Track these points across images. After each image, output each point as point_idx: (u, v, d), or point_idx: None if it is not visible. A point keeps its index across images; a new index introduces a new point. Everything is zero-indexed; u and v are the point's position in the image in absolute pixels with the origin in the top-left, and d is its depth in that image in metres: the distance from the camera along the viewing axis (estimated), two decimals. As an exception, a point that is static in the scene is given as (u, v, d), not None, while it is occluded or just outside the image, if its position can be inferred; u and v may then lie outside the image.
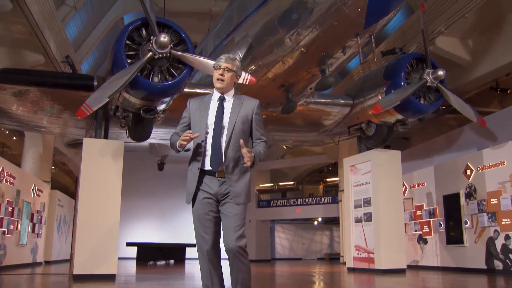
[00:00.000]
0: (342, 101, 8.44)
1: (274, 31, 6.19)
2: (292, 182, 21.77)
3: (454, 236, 9.12)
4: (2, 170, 8.99)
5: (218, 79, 3.08)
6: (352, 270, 9.17)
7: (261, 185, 20.85)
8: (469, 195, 8.72)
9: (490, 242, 8.12)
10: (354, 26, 5.47)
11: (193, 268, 13.25)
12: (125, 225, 16.35)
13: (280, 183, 21.40)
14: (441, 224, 9.53)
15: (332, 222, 21.41)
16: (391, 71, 7.55)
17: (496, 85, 10.60)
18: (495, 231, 8.03)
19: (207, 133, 3.00)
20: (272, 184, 21.43)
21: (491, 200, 8.11)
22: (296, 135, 10.14)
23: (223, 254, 3.02)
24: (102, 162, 6.96)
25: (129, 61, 5.84)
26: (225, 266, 3.01)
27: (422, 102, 7.44)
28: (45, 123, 8.79)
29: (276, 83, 7.07)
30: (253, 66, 6.84)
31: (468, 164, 8.78)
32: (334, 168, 20.39)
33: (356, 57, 6.68)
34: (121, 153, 7.10)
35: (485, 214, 8.25)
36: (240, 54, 7.12)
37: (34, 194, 11.42)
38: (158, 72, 5.95)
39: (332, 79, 6.34)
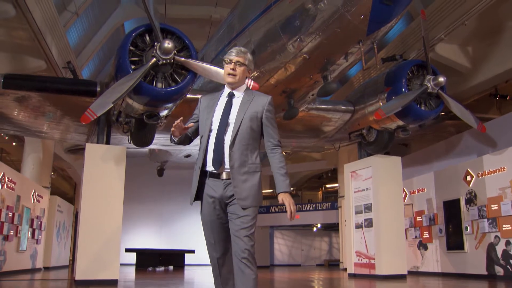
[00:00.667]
0: (343, 107, 8.48)
1: (276, 38, 6.23)
2: (291, 188, 21.73)
3: (454, 242, 9.14)
4: (3, 175, 8.99)
5: (229, 74, 2.89)
6: (353, 276, 9.17)
7: (260, 191, 20.70)
8: (470, 201, 8.76)
9: (491, 248, 8.15)
10: (357, 33, 5.52)
11: (193, 274, 13.23)
12: (124, 231, 16.20)
13: (279, 189, 21.27)
14: (441, 230, 9.55)
15: (331, 228, 21.40)
16: (392, 78, 7.60)
17: (495, 92, 10.66)
18: (496, 236, 8.06)
19: (210, 130, 2.83)
20: (271, 190, 21.41)
21: (492, 206, 8.14)
22: (296, 141, 10.17)
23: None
24: (104, 167, 6.97)
25: (132, 67, 5.87)
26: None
27: (423, 108, 7.49)
28: (46, 128, 8.80)
29: (278, 89, 7.10)
30: (255, 72, 6.88)
31: (468, 170, 8.82)
32: (333, 174, 20.43)
33: (356, 63, 6.74)
34: (124, 158, 7.12)
35: (485, 220, 8.28)
36: (242, 61, 7.16)
37: (34, 199, 11.40)
38: (162, 78, 5.97)
39: (334, 85, 6.37)
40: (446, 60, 9.32)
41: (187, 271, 15.03)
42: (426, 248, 10.08)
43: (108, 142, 7.64)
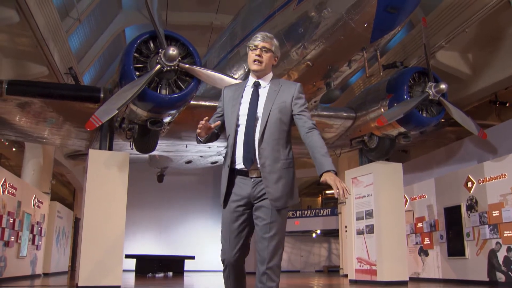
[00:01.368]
0: (344, 114, 8.52)
1: (280, 45, 6.26)
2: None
3: (455, 248, 9.15)
4: (4, 181, 8.98)
5: (255, 61, 2.69)
6: (354, 282, 9.17)
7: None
8: (471, 207, 8.78)
9: (492, 254, 8.16)
10: (360, 40, 5.58)
11: (192, 280, 13.21)
12: (123, 237, 16.27)
13: (279, 195, 21.32)
14: (442, 236, 9.56)
15: (331, 234, 21.38)
16: (394, 85, 7.65)
17: (495, 99, 10.72)
18: (497, 243, 8.07)
19: (238, 125, 2.64)
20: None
21: (493, 212, 8.16)
22: (298, 148, 10.16)
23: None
24: (107, 173, 6.98)
25: (137, 73, 5.90)
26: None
27: (424, 115, 7.54)
28: (48, 134, 8.81)
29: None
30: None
31: (469, 176, 8.85)
32: (331, 180, 20.40)
33: (359, 70, 6.80)
34: (127, 164, 7.14)
35: (486, 226, 8.30)
36: (245, 67, 7.23)
37: (34, 205, 11.38)
38: (166, 85, 6.01)
39: (337, 92, 6.43)
40: (446, 67, 9.38)
41: (187, 277, 15.00)
42: (427, 254, 10.09)
43: (111, 148, 7.65)
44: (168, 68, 5.82)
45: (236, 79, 6.46)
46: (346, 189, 2.50)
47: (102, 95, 6.99)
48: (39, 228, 12.01)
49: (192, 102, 7.09)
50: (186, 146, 9.44)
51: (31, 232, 11.17)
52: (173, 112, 6.46)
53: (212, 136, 2.79)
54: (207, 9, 13.64)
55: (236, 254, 2.61)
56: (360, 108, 8.44)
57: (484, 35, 8.97)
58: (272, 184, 2.54)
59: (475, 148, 9.59)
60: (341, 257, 15.39)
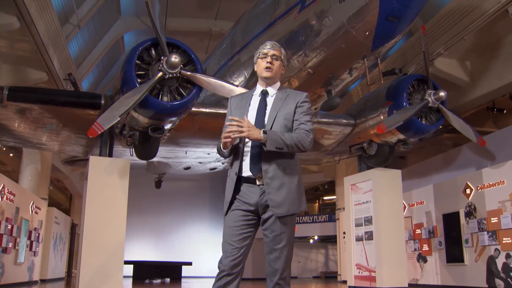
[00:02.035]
0: (344, 121, 8.55)
1: (281, 52, 6.30)
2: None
3: (454, 254, 9.17)
4: (3, 187, 8.96)
5: (266, 68, 2.73)
6: (353, 288, 9.19)
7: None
8: (469, 214, 8.81)
9: (491, 260, 8.19)
10: (362, 48, 5.62)
11: (190, 286, 13.18)
12: (121, 243, 16.20)
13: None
14: (441, 242, 9.59)
15: (328, 240, 21.40)
16: (394, 92, 7.69)
17: (492, 106, 10.80)
18: (496, 249, 8.10)
19: None
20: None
21: (491, 219, 8.20)
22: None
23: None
24: (108, 180, 6.97)
25: (139, 80, 5.91)
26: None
27: (423, 122, 7.58)
28: (47, 140, 8.78)
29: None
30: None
31: (468, 183, 8.89)
32: (329, 187, 20.48)
33: (359, 78, 6.84)
34: (127, 171, 7.13)
35: (485, 232, 8.33)
36: (246, 74, 7.25)
37: (32, 211, 11.35)
38: (168, 92, 6.02)
39: (338, 99, 6.46)
40: (445, 75, 9.45)
41: (184, 283, 14.97)
42: (425, 260, 10.11)
43: (110, 155, 7.65)
44: (170, 75, 5.82)
45: (237, 86, 6.48)
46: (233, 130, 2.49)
47: (102, 101, 7.00)
48: (37, 234, 11.97)
49: (193, 109, 7.12)
50: (186, 153, 9.44)
51: (29, 238, 11.13)
52: (174, 119, 6.46)
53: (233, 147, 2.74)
54: (206, 15, 13.68)
55: (238, 263, 2.59)
56: (359, 115, 8.48)
57: (482, 43, 9.04)
58: (275, 191, 2.54)
59: (473, 154, 9.64)
60: (339, 263, 15.38)
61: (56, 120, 7.65)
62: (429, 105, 7.38)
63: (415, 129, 7.58)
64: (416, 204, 10.58)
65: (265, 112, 2.68)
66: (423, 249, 10.14)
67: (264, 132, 2.52)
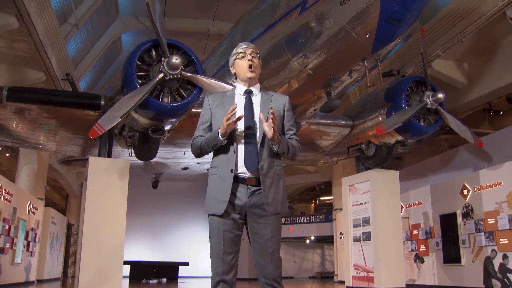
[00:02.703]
0: (342, 122, 8.58)
1: (281, 54, 6.33)
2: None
3: (451, 255, 9.23)
4: (1, 187, 8.93)
5: (250, 66, 2.69)
6: (351, 289, 9.23)
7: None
8: (466, 214, 8.87)
9: (488, 261, 8.25)
10: (362, 50, 5.63)
11: (186, 286, 13.19)
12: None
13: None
14: (438, 243, 9.65)
15: (324, 240, 21.44)
16: (392, 93, 7.73)
17: (489, 107, 10.88)
18: (493, 250, 8.16)
19: (235, 130, 2.61)
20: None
21: (488, 219, 8.26)
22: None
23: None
24: (107, 181, 6.96)
25: (139, 81, 5.91)
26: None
27: (421, 123, 7.63)
28: (46, 140, 8.76)
29: (281, 105, 7.18)
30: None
31: (465, 184, 8.95)
32: (326, 187, 20.53)
33: (359, 80, 6.87)
34: (127, 172, 7.12)
35: (482, 233, 8.39)
36: (246, 75, 7.25)
37: (29, 211, 11.31)
38: (168, 93, 6.03)
39: (338, 101, 6.48)
40: (442, 76, 9.51)
41: (181, 283, 14.98)
42: (422, 261, 10.17)
43: (109, 156, 7.64)
44: (171, 77, 5.83)
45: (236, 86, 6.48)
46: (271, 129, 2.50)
47: (102, 102, 6.99)
48: (34, 235, 11.94)
49: (193, 109, 7.12)
50: (184, 153, 9.44)
51: (26, 238, 11.10)
52: (174, 120, 6.47)
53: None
54: (204, 16, 13.68)
55: (232, 269, 2.57)
56: (358, 116, 8.51)
57: (479, 45, 9.11)
58: (267, 188, 2.56)
59: (470, 156, 9.70)
60: (336, 264, 15.43)
61: (55, 121, 7.64)
62: (428, 106, 7.42)
63: (414, 130, 7.62)
64: (413, 205, 10.63)
65: (252, 111, 2.66)
66: (420, 249, 10.20)
67: (279, 135, 2.58)
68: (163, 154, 9.35)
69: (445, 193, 9.57)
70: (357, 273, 9.11)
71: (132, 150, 7.43)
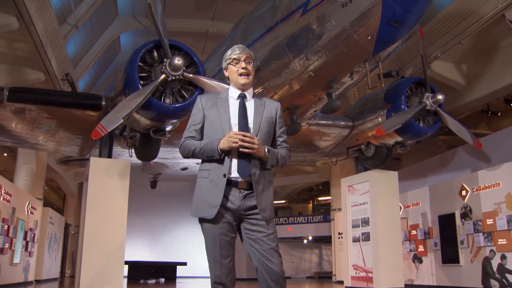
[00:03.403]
0: (342, 123, 8.61)
1: (282, 55, 6.35)
2: (283, 201, 21.89)
3: (449, 255, 9.28)
4: (0, 187, 8.91)
5: (242, 74, 2.68)
6: (350, 289, 9.27)
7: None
8: (465, 215, 8.92)
9: (486, 261, 8.30)
10: (363, 52, 5.66)
11: (184, 286, 13.20)
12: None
13: (272, 202, 21.46)
14: (436, 243, 9.70)
15: (322, 240, 21.48)
16: (392, 95, 7.76)
17: (487, 108, 10.94)
18: (491, 251, 8.21)
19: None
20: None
21: (487, 220, 8.30)
22: (293, 155, 10.28)
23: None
24: (108, 181, 6.97)
25: (141, 82, 5.92)
26: None
27: (421, 125, 7.67)
28: (44, 140, 8.75)
29: (282, 106, 7.17)
30: (259, 88, 6.98)
31: (464, 185, 9.00)
32: (324, 187, 20.58)
33: (360, 81, 6.90)
34: (128, 172, 7.14)
35: (481, 234, 8.44)
36: (246, 76, 7.27)
37: (28, 211, 11.29)
38: (170, 94, 6.05)
39: (339, 102, 6.50)
40: (441, 77, 9.56)
41: (179, 283, 14.99)
42: (420, 261, 10.21)
43: (110, 156, 7.64)
44: (173, 78, 5.84)
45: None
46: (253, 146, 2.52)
47: (103, 103, 7.00)
48: (32, 235, 11.92)
49: (193, 110, 7.13)
50: (184, 154, 9.44)
51: (24, 238, 11.08)
52: (175, 121, 6.49)
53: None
54: (203, 16, 13.69)
55: (230, 272, 2.59)
56: (357, 117, 8.54)
57: (478, 47, 9.16)
58: (260, 194, 2.57)
59: (468, 157, 9.75)
60: (334, 264, 15.46)
61: (55, 121, 7.64)
62: (427, 108, 7.46)
63: (413, 131, 7.66)
64: (412, 206, 10.68)
65: (246, 116, 2.67)
66: (419, 250, 10.25)
67: (268, 151, 2.60)
68: (163, 154, 9.36)
69: (444, 194, 9.62)
70: (356, 273, 9.14)
71: (133, 150, 7.43)
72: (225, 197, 2.56)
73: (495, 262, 8.11)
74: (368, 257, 8.78)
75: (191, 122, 2.80)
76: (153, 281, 15.51)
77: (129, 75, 5.92)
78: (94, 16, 11.95)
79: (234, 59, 2.72)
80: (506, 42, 8.88)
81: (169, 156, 9.73)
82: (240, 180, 2.58)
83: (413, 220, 10.59)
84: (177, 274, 16.58)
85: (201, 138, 2.75)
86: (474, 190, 8.75)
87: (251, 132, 2.63)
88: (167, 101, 6.02)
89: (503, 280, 7.91)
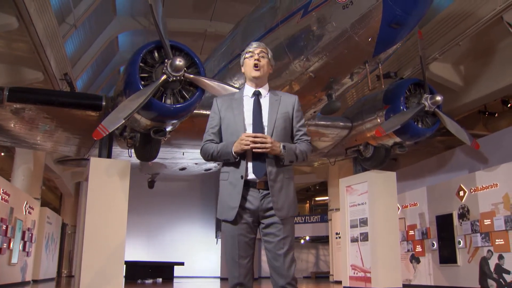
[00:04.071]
0: (341, 123, 8.65)
1: (282, 56, 6.38)
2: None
3: (447, 255, 9.33)
4: (-2, 187, 8.90)
5: (255, 65, 2.67)
6: (348, 289, 9.31)
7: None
8: (462, 215, 8.97)
9: (484, 261, 8.35)
10: (364, 54, 5.71)
11: (182, 286, 13.21)
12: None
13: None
14: (434, 243, 9.75)
15: (319, 240, 21.53)
16: (391, 96, 7.81)
17: (484, 109, 11.00)
18: (489, 251, 8.27)
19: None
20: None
21: (484, 220, 8.36)
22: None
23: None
24: (108, 181, 6.98)
25: (142, 83, 5.93)
26: None
27: (419, 126, 7.72)
28: (43, 140, 8.74)
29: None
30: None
31: (461, 185, 9.05)
32: (321, 187, 20.63)
33: (360, 82, 6.94)
34: (128, 172, 7.14)
35: (478, 234, 8.49)
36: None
37: (26, 211, 11.27)
38: (171, 95, 6.06)
39: (339, 104, 6.54)
40: (439, 78, 9.60)
41: (176, 283, 14.99)
42: (418, 261, 10.26)
43: (109, 156, 7.65)
44: (174, 78, 5.86)
45: (238, 88, 6.54)
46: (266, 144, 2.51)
47: (104, 103, 7.00)
48: (30, 235, 11.89)
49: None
50: (183, 154, 9.47)
51: (22, 238, 11.05)
52: (176, 121, 6.50)
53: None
54: (202, 16, 13.70)
55: (248, 272, 2.61)
56: (356, 118, 8.58)
57: (476, 48, 9.22)
58: (276, 193, 2.56)
59: (466, 157, 9.81)
60: (331, 264, 15.51)
61: (55, 121, 7.63)
62: (426, 109, 7.52)
63: (412, 132, 7.71)
64: (410, 206, 10.73)
65: (261, 113, 2.65)
66: (416, 250, 10.29)
67: (283, 147, 2.56)
68: (162, 154, 9.34)
69: (442, 194, 9.67)
70: (354, 273, 9.18)
71: (132, 150, 7.44)
72: (244, 198, 2.57)
73: (493, 262, 8.16)
74: (367, 257, 8.82)
75: (209, 125, 2.80)
76: (150, 281, 15.51)
77: (130, 75, 5.93)
78: (93, 16, 11.94)
79: (249, 51, 2.73)
80: (503, 44, 8.94)
81: (168, 156, 9.74)
82: (257, 180, 2.59)
83: (410, 221, 10.64)
84: (175, 274, 16.57)
85: (220, 140, 2.75)
86: (471, 190, 8.80)
87: (266, 130, 2.62)
88: (168, 101, 6.03)
89: (501, 280, 7.97)
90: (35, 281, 12.92)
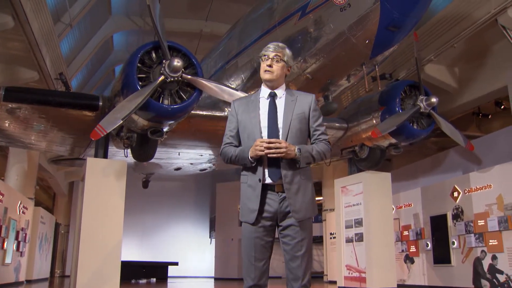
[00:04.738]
0: (337, 124, 8.69)
1: (280, 57, 6.39)
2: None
3: (441, 256, 9.39)
4: (-8, 187, 8.86)
5: (266, 71, 2.72)
6: (343, 289, 9.35)
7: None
8: (456, 216, 9.05)
9: (477, 262, 8.43)
10: (361, 56, 5.76)
11: (176, 286, 13.20)
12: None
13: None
14: (428, 244, 9.82)
15: (313, 241, 21.57)
16: (387, 97, 7.86)
17: (478, 111, 11.10)
18: (482, 251, 8.34)
19: (262, 137, 2.62)
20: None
21: (478, 221, 8.43)
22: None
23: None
24: (105, 181, 6.97)
25: (140, 83, 5.93)
26: None
27: (415, 127, 7.77)
28: (38, 140, 8.71)
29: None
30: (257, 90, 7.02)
31: (455, 186, 9.12)
32: (315, 188, 20.57)
33: (356, 84, 6.99)
34: (124, 173, 7.13)
35: (472, 235, 8.56)
36: (243, 77, 7.33)
37: (20, 211, 11.21)
38: (168, 95, 6.06)
39: (335, 105, 6.59)
40: (434, 80, 9.68)
41: (170, 283, 14.98)
42: (412, 261, 10.33)
43: (105, 156, 7.63)
44: (172, 79, 5.86)
45: (236, 89, 6.57)
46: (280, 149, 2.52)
47: (100, 103, 6.99)
48: (24, 235, 11.83)
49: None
50: (179, 154, 9.47)
51: (16, 238, 10.99)
52: (173, 122, 6.50)
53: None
54: (197, 16, 13.69)
55: (264, 274, 2.64)
56: (352, 119, 8.62)
57: (470, 51, 9.29)
58: (293, 196, 2.57)
59: (460, 158, 9.89)
60: (326, 264, 15.56)
61: (51, 121, 7.60)
62: (421, 110, 7.57)
63: (407, 134, 7.77)
64: (404, 206, 10.79)
65: (276, 115, 2.67)
66: (411, 250, 10.36)
67: (299, 150, 2.57)
68: (158, 154, 9.28)
69: (436, 195, 9.74)
70: (349, 273, 9.23)
71: (129, 150, 7.43)
72: (264, 201, 2.60)
73: (486, 263, 8.24)
74: (361, 257, 8.87)
75: (228, 128, 2.83)
76: (144, 281, 15.48)
77: (128, 76, 5.93)
78: (88, 15, 11.89)
79: (264, 55, 2.77)
80: (497, 47, 9.02)
81: (164, 157, 9.74)
82: (274, 183, 2.61)
83: (405, 221, 10.71)
84: (169, 274, 16.55)
85: (239, 143, 2.79)
86: (466, 191, 8.87)
87: (281, 132, 2.63)
88: (166, 102, 6.03)
89: (494, 280, 8.04)
90: (29, 281, 12.85)
